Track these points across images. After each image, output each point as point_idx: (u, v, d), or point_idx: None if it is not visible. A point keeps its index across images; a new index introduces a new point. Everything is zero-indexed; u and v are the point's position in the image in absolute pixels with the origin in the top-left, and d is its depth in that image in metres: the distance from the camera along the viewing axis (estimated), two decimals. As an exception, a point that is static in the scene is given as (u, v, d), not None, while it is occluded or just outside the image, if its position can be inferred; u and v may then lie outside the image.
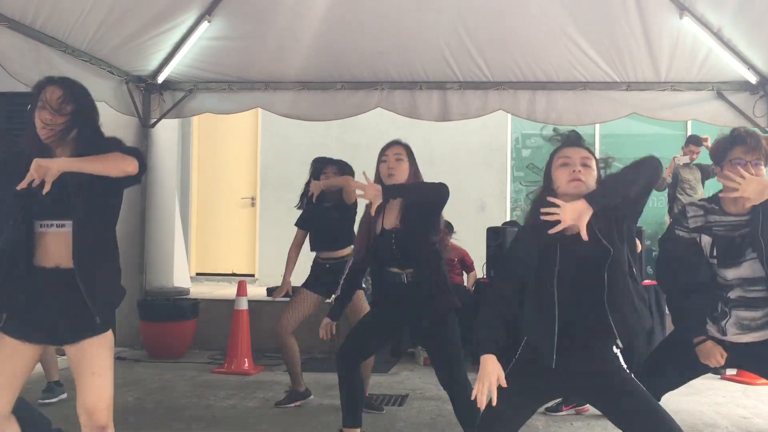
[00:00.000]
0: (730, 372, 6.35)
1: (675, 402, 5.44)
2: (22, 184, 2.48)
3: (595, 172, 2.68)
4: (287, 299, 5.09)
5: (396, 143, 3.89)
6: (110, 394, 2.68)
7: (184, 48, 6.07)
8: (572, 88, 6.11)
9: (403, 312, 3.72)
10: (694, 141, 7.77)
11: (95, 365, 2.67)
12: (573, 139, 2.82)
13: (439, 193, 3.72)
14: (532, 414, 2.79)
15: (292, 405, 5.03)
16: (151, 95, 6.51)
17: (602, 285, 2.55)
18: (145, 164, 2.83)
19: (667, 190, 7.88)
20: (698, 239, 3.11)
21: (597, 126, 8.62)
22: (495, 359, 2.59)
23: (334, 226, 4.92)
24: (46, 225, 2.66)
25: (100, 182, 2.64)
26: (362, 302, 4.77)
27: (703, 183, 7.82)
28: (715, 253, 3.07)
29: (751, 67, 5.75)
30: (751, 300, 3.03)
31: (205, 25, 5.88)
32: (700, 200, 3.26)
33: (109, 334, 2.73)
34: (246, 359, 6.33)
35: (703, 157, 7.86)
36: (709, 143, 7.72)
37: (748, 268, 3.04)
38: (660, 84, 6.01)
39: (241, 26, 5.97)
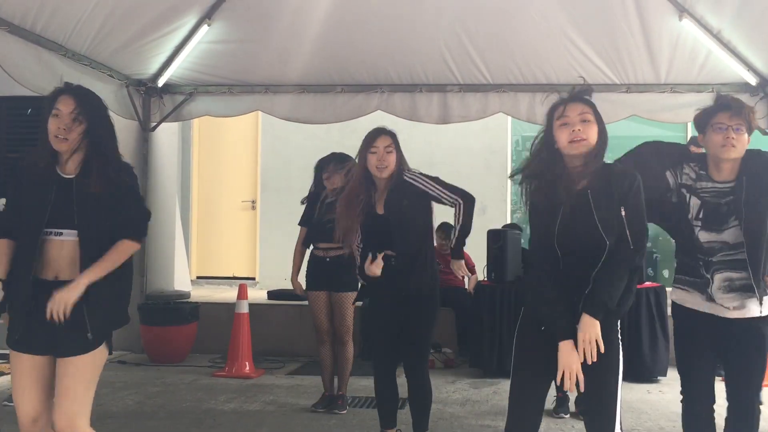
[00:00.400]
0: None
1: (677, 404, 5.42)
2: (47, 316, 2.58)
3: (595, 125, 2.70)
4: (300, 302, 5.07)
5: (383, 132, 3.88)
6: (77, 410, 2.64)
7: (184, 51, 6.07)
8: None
9: (392, 291, 3.74)
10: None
11: (63, 385, 2.65)
12: (571, 95, 2.81)
13: (473, 204, 3.94)
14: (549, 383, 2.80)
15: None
16: (151, 99, 6.52)
17: (595, 265, 2.62)
18: (146, 227, 2.88)
19: None
20: (687, 199, 3.13)
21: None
22: (572, 345, 2.59)
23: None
24: (46, 233, 2.68)
25: (105, 201, 2.68)
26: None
27: None
28: (701, 216, 3.10)
29: (751, 68, 5.75)
30: (731, 262, 3.05)
31: (205, 28, 5.88)
32: (693, 163, 3.24)
33: (99, 352, 2.71)
34: (247, 363, 6.33)
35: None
36: None
37: (730, 235, 3.07)
38: (660, 86, 6.01)
39: (241, 29, 5.97)
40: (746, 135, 3.09)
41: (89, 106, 2.75)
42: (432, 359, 6.75)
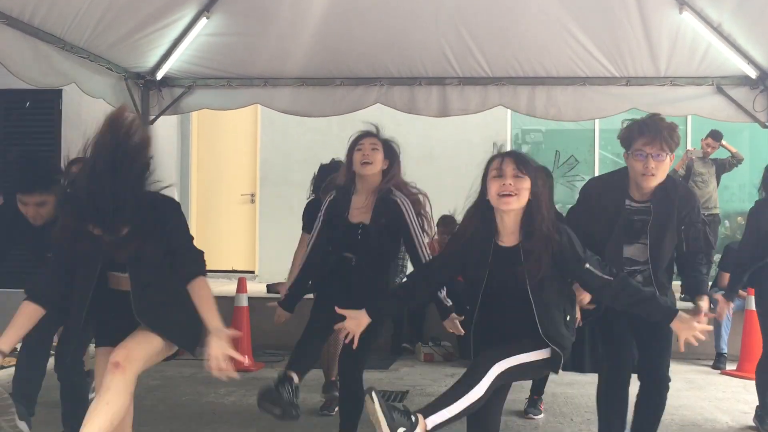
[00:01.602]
0: (731, 367, 6.36)
1: (675, 397, 5.44)
2: None
3: (527, 182, 2.76)
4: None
5: (372, 134, 3.82)
6: (135, 348, 2.76)
7: (182, 44, 6.05)
8: (572, 84, 6.10)
9: (341, 290, 3.66)
10: (714, 136, 7.75)
11: (140, 337, 2.80)
12: (508, 151, 2.91)
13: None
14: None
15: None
16: (149, 92, 6.50)
17: (529, 305, 2.78)
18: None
19: None
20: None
21: (597, 121, 8.60)
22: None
23: None
24: (112, 269, 2.86)
25: (153, 244, 2.78)
26: None
27: (718, 178, 7.81)
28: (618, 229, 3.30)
29: (751, 61, 5.74)
30: (631, 274, 3.25)
31: (203, 21, 5.86)
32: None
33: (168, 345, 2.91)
34: (246, 356, 6.33)
35: (719, 153, 7.86)
36: (725, 141, 7.73)
37: (635, 250, 3.29)
38: (660, 79, 5.99)
39: (240, 22, 5.95)
40: (668, 159, 3.21)
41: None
42: (431, 352, 6.77)
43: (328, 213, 3.81)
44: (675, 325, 2.90)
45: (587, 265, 2.81)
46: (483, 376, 2.72)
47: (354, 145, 3.77)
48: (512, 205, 2.73)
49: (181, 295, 2.84)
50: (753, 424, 4.61)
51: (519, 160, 2.77)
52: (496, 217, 2.83)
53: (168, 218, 2.83)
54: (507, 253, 2.80)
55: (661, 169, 3.18)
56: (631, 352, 3.49)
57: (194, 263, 2.86)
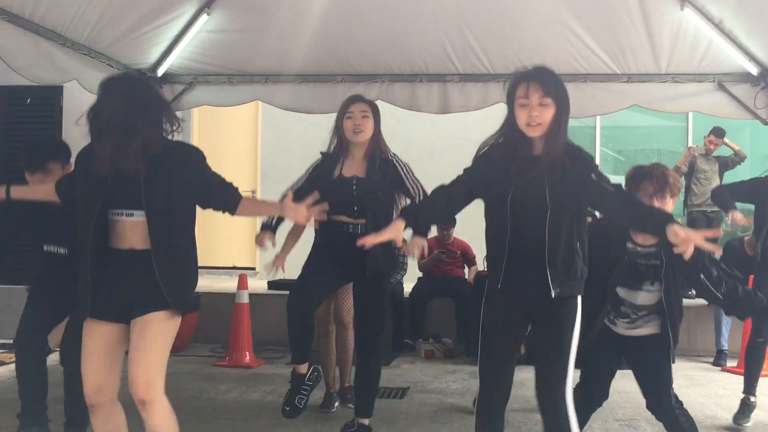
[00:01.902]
0: (731, 364, 6.37)
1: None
2: None
3: (552, 109, 2.72)
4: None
5: (361, 99, 3.88)
6: (153, 369, 2.70)
7: (183, 41, 6.05)
8: (573, 80, 6.07)
9: (346, 262, 3.71)
10: (716, 132, 7.75)
11: (141, 340, 2.70)
12: (529, 73, 2.82)
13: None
14: (518, 342, 2.96)
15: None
16: (150, 88, 6.49)
17: (543, 237, 2.71)
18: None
19: (683, 180, 7.87)
20: None
21: (598, 118, 8.60)
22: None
23: None
24: (116, 214, 2.75)
25: (180, 188, 2.78)
26: None
27: (721, 175, 7.81)
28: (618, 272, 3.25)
29: (753, 58, 5.73)
30: (634, 319, 3.27)
31: (204, 17, 5.86)
32: None
33: (173, 319, 2.77)
34: (247, 352, 6.34)
35: (722, 150, 7.86)
36: (728, 139, 7.73)
37: (644, 296, 3.25)
38: (661, 76, 5.98)
39: (241, 19, 5.95)
40: (669, 199, 3.22)
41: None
42: (432, 349, 6.77)
43: (316, 171, 3.87)
44: (671, 230, 2.69)
45: (594, 177, 2.76)
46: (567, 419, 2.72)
47: (343, 113, 3.83)
48: (538, 132, 2.75)
49: (191, 250, 2.88)
50: (741, 425, 4.60)
51: (544, 87, 2.73)
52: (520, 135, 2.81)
53: (191, 159, 2.86)
54: (530, 161, 2.76)
55: (665, 207, 3.18)
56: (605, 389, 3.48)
57: (231, 192, 2.96)
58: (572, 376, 2.79)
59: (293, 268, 4.84)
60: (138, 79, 2.98)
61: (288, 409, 3.86)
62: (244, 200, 2.97)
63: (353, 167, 3.83)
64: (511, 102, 2.82)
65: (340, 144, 3.87)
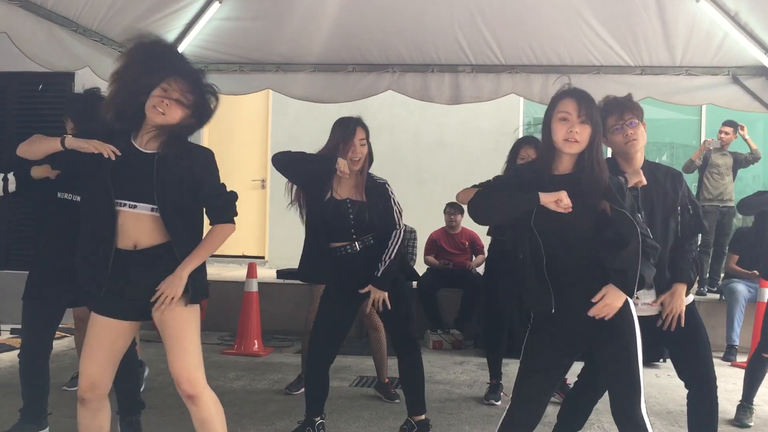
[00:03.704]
0: (741, 359, 6.33)
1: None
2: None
3: (590, 128, 2.73)
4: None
5: (361, 125, 3.92)
6: (193, 364, 2.75)
7: (195, 29, 6.04)
8: (586, 72, 6.04)
9: (356, 281, 3.79)
10: (729, 123, 7.68)
11: (173, 334, 2.75)
12: (575, 91, 2.82)
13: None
14: (564, 371, 2.93)
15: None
16: (162, 76, 6.49)
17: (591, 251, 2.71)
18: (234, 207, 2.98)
19: (696, 174, 7.81)
20: None
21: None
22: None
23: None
24: (120, 204, 2.72)
25: (187, 186, 2.77)
26: None
27: (734, 171, 7.74)
28: None
29: (768, 51, 5.67)
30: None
31: (216, 5, 5.85)
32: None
33: (193, 308, 2.82)
34: (256, 341, 6.36)
35: (738, 146, 7.78)
36: (746, 132, 7.65)
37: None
38: (675, 68, 5.93)
39: (253, 7, 5.93)
40: (641, 126, 3.31)
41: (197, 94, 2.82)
42: (440, 340, 6.77)
43: (307, 199, 3.92)
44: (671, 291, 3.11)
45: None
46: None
47: (343, 136, 3.85)
48: (575, 149, 2.75)
49: (197, 239, 2.87)
50: (762, 417, 4.60)
51: (584, 107, 2.74)
52: (555, 152, 2.82)
53: (198, 162, 2.85)
54: (562, 180, 2.76)
55: (639, 133, 3.29)
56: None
57: (222, 209, 2.88)
58: (643, 387, 2.80)
59: (294, 258, 4.86)
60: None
61: None
62: (218, 227, 2.88)
63: (346, 189, 3.87)
64: (548, 118, 2.83)
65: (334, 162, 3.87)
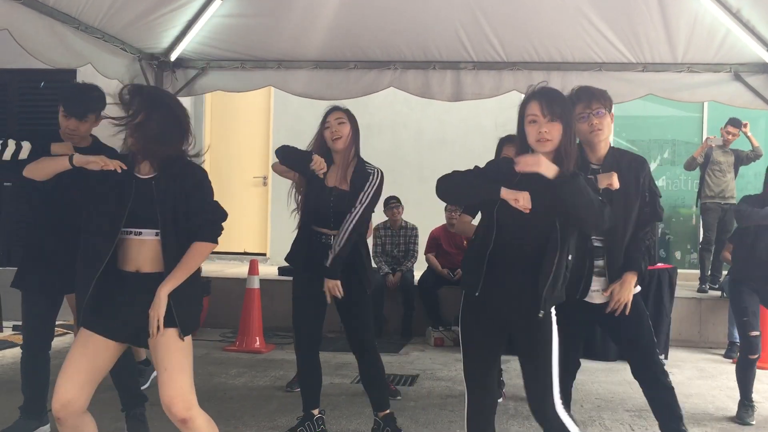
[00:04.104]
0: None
1: (686, 386, 5.43)
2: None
3: (559, 125, 2.79)
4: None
5: (336, 108, 4.02)
6: (185, 386, 2.73)
7: (197, 25, 6.04)
8: (587, 69, 6.03)
9: (320, 275, 3.81)
10: (732, 123, 7.66)
11: (165, 360, 2.74)
12: (539, 92, 2.88)
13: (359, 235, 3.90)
14: (497, 351, 3.03)
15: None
16: (163, 73, 6.49)
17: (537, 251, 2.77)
18: (220, 228, 2.93)
19: (698, 171, 7.79)
20: None
21: (612, 108, 8.53)
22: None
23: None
24: (126, 232, 2.76)
25: (181, 205, 2.79)
26: None
27: (736, 169, 7.73)
28: None
29: (770, 48, 5.66)
30: (595, 248, 3.37)
31: (218, 2, 5.84)
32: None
33: (188, 339, 2.80)
34: (257, 338, 6.37)
35: (740, 143, 7.77)
36: (748, 129, 7.64)
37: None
38: (677, 65, 5.92)
39: (255, 4, 5.93)
40: (608, 115, 3.40)
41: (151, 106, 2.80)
42: (441, 337, 6.78)
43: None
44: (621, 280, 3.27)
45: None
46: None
47: (322, 126, 3.97)
48: (548, 148, 2.81)
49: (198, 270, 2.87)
50: (765, 415, 4.60)
51: (547, 106, 2.80)
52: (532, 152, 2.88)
53: (188, 179, 2.85)
54: (530, 178, 2.79)
55: (605, 125, 3.38)
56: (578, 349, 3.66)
57: (205, 227, 2.85)
58: (557, 379, 2.82)
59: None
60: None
61: None
62: (199, 244, 2.83)
63: (334, 177, 3.92)
64: (520, 122, 2.90)
65: (326, 155, 3.93)
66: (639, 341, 3.43)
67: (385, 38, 6.05)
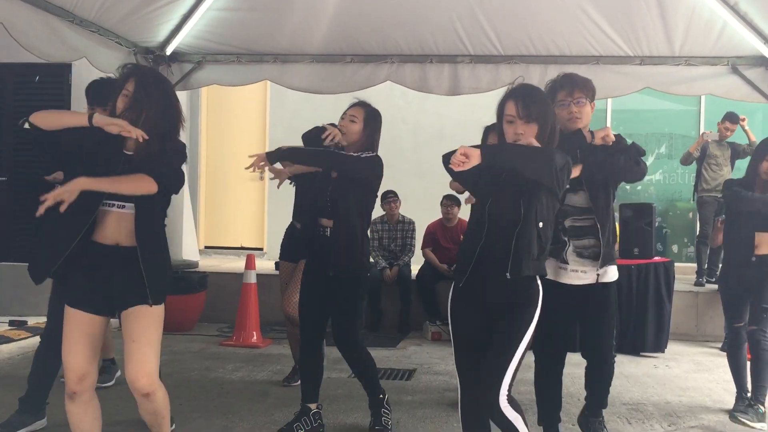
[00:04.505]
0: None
1: (683, 379, 5.44)
2: (47, 204, 2.63)
3: (536, 125, 2.85)
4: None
5: (354, 105, 4.14)
6: (152, 362, 2.82)
7: (192, 19, 6.00)
8: (585, 63, 6.01)
9: (323, 265, 3.85)
10: (730, 118, 7.65)
11: (135, 333, 2.82)
12: (515, 91, 2.95)
13: (338, 163, 3.92)
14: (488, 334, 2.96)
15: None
16: (159, 67, 6.45)
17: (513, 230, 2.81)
18: (171, 188, 2.97)
19: (695, 165, 7.79)
20: None
21: (609, 101, 8.53)
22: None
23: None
24: (108, 204, 2.81)
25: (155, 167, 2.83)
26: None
27: (732, 162, 7.73)
28: None
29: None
30: (579, 228, 3.47)
31: (213, -4, 5.81)
32: None
33: (158, 309, 2.88)
34: (254, 332, 6.37)
35: (736, 136, 7.77)
36: (746, 123, 7.63)
37: (581, 198, 3.49)
38: (674, 58, 5.90)
39: (251, -3, 5.89)
40: (588, 104, 3.50)
41: (148, 88, 2.89)
42: (439, 331, 6.78)
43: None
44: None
45: None
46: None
47: (343, 113, 4.11)
48: (524, 142, 2.88)
49: (163, 241, 2.95)
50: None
51: (522, 107, 2.85)
52: None
53: (171, 149, 2.92)
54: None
55: (583, 113, 3.49)
56: (565, 336, 3.71)
57: (157, 171, 2.86)
58: (511, 375, 2.81)
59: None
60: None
61: (284, 429, 3.94)
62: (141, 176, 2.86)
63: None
64: (499, 120, 2.99)
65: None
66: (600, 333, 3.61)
67: (382, 32, 6.03)
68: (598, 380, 3.77)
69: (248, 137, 9.50)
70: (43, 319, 5.88)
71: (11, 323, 6.77)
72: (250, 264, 6.56)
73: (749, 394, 4.53)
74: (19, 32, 4.49)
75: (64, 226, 2.79)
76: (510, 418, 2.74)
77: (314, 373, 4.00)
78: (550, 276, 3.30)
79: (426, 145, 8.87)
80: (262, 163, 3.82)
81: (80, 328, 2.80)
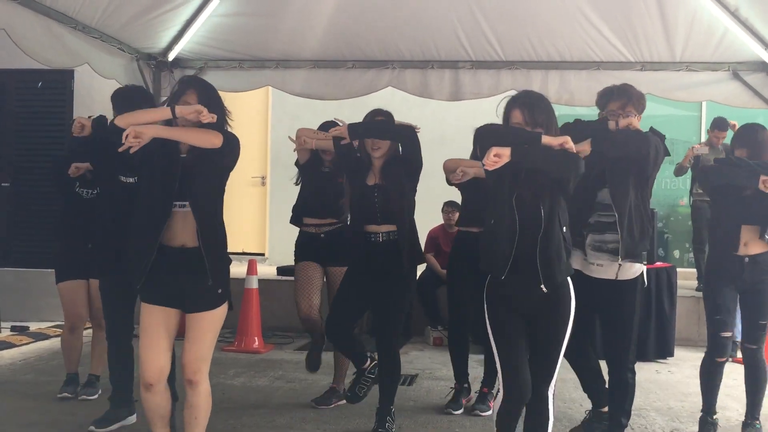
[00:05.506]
0: (740, 355, 6.33)
1: (685, 384, 5.43)
2: (124, 147, 2.81)
3: (541, 131, 2.91)
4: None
5: (379, 113, 4.17)
6: (203, 356, 3.05)
7: (194, 25, 6.03)
8: (586, 68, 6.04)
9: (374, 269, 3.91)
10: (718, 125, 7.64)
11: (191, 330, 3.03)
12: (520, 98, 3.02)
13: (409, 138, 4.14)
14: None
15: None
16: (161, 73, 6.49)
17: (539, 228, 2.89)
18: (234, 149, 3.24)
19: (690, 172, 7.78)
20: None
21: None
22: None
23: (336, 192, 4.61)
24: (176, 205, 2.94)
25: (208, 166, 3.01)
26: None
27: None
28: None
29: (768, 47, 5.66)
30: (603, 224, 3.56)
31: (216, 1, 5.84)
32: None
33: (222, 308, 3.08)
34: (256, 338, 6.36)
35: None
36: (737, 128, 7.62)
37: (606, 194, 3.57)
38: (675, 64, 5.93)
39: (253, 3, 5.92)
40: (635, 118, 3.68)
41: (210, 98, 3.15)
42: (440, 336, 6.76)
43: (354, 164, 4.07)
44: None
45: None
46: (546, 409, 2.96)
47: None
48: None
49: (223, 240, 3.09)
50: (763, 413, 4.57)
51: (528, 114, 2.94)
52: None
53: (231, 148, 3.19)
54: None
55: (631, 123, 3.65)
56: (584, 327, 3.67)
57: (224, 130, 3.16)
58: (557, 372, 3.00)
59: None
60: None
61: (350, 395, 4.14)
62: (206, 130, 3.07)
63: (374, 174, 4.02)
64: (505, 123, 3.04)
65: (367, 155, 4.03)
66: (618, 329, 3.63)
67: (383, 37, 6.05)
68: (617, 387, 3.69)
69: (250, 142, 9.48)
70: (45, 324, 5.94)
71: (13, 329, 6.77)
72: (251, 269, 6.56)
73: (716, 416, 4.16)
74: (21, 38, 4.52)
75: (143, 231, 2.95)
76: (551, 409, 2.95)
77: (351, 346, 4.08)
78: (575, 266, 3.36)
79: (427, 150, 8.83)
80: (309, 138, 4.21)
81: (158, 322, 2.97)
